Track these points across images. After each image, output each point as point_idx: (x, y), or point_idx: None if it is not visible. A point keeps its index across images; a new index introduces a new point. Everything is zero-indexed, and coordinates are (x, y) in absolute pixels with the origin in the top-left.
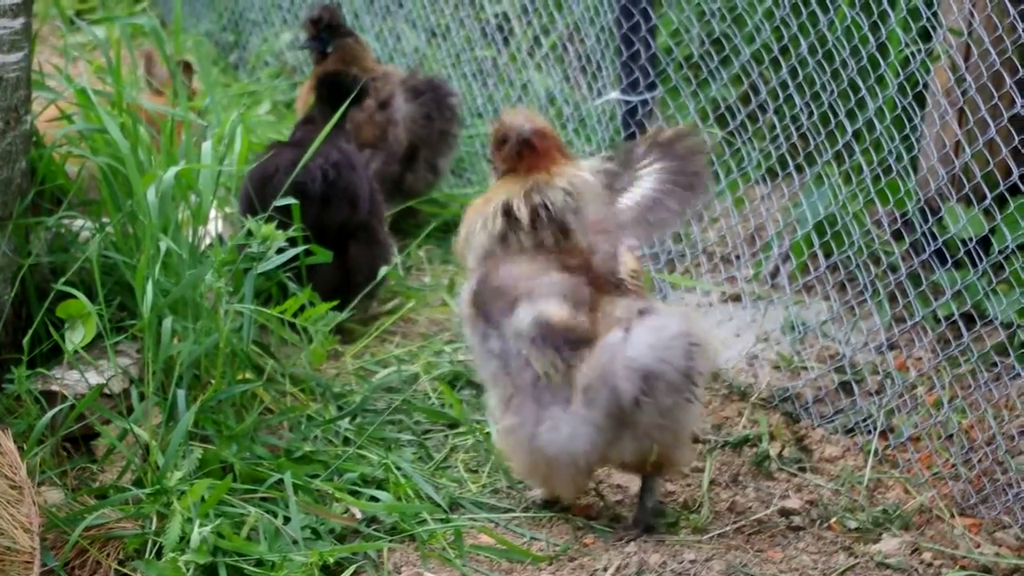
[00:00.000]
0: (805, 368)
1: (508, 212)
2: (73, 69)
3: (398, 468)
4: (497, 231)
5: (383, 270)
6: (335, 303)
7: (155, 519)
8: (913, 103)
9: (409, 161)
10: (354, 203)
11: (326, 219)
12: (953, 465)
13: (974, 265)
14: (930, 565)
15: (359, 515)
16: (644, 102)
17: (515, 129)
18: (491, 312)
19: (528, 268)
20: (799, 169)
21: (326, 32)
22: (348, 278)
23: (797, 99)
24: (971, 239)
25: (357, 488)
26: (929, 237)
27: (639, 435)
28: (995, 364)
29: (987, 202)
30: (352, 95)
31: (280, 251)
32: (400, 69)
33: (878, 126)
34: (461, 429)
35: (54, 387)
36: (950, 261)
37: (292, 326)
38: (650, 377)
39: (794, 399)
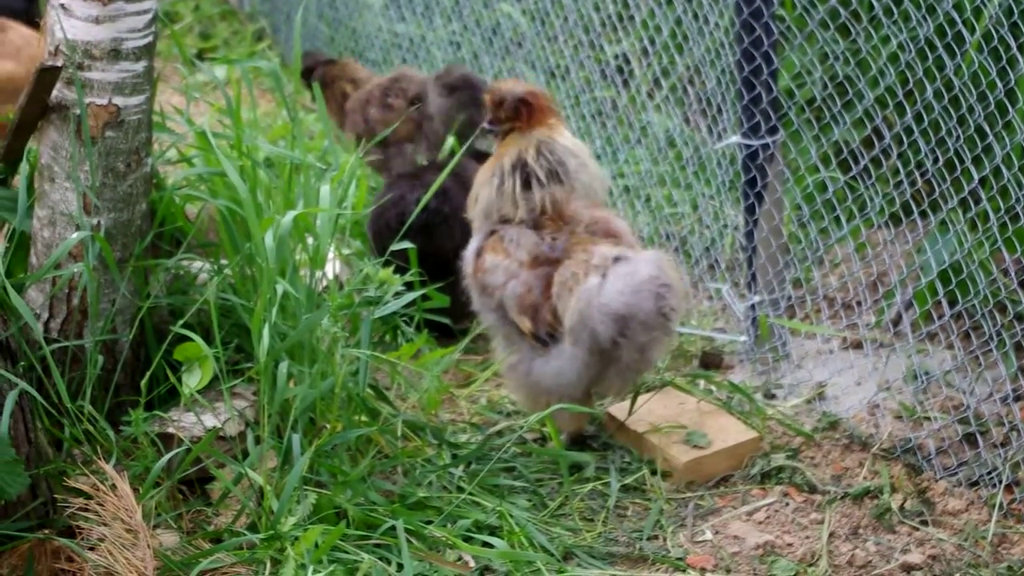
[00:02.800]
0: (928, 418)
1: (524, 167)
2: (195, 109)
3: (511, 515)
4: (516, 191)
5: None
6: (451, 349)
7: (269, 564)
8: None
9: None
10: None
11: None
12: None
13: None
14: None
15: (472, 563)
16: (765, 146)
17: (509, 90)
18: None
19: (504, 270)
20: (923, 215)
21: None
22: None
23: (922, 144)
24: None
25: (471, 535)
26: None
27: (621, 369)
28: None
29: None
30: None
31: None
32: (415, 71)
33: (1006, 172)
34: (576, 476)
35: (170, 430)
36: None
37: None
38: (622, 320)
39: (917, 450)
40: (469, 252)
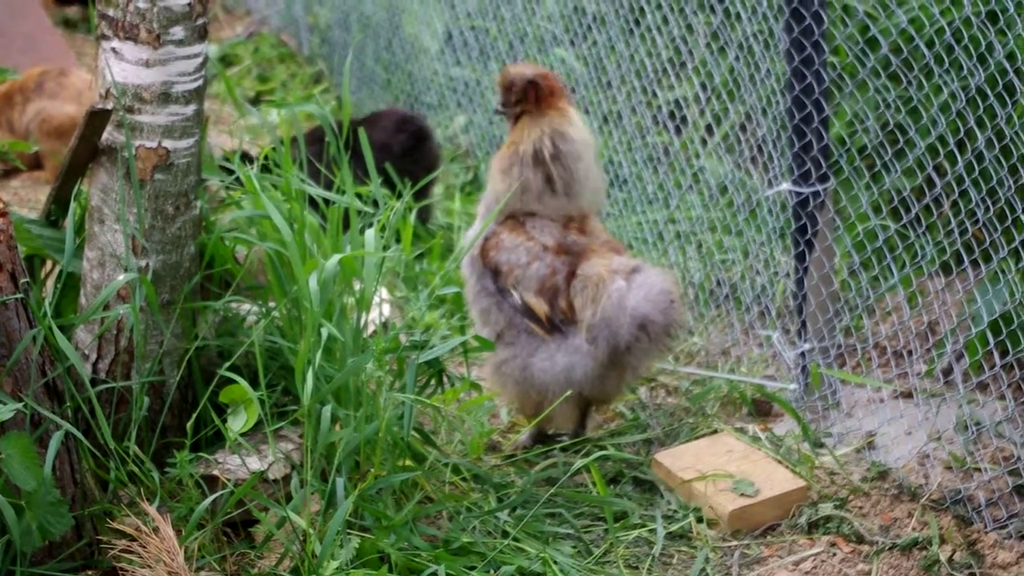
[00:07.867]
0: (978, 469)
1: (543, 164)
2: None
3: (555, 562)
4: (541, 187)
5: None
6: (494, 393)
7: None
8: None
9: None
10: None
11: None
12: None
13: None
14: None
15: None
16: (816, 193)
17: (519, 73)
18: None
19: (527, 250)
20: (975, 264)
21: None
22: None
23: (974, 193)
24: None
25: None
26: None
27: (623, 375)
28: None
29: None
30: None
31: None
32: None
33: None
34: (622, 523)
35: (215, 472)
36: None
37: None
38: (643, 325)
39: (966, 501)
40: (475, 237)
